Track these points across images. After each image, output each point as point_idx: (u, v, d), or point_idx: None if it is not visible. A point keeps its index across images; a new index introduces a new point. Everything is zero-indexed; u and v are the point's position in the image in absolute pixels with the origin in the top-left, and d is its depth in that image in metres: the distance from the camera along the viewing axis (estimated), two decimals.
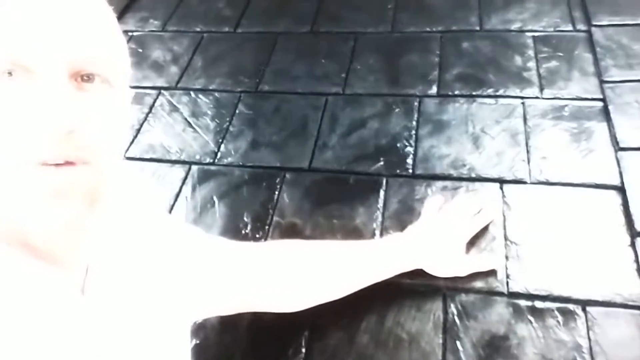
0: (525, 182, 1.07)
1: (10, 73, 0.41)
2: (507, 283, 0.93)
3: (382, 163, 1.16)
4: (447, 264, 0.94)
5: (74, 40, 0.43)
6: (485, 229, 1.00)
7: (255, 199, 1.14)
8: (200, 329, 0.95)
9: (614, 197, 1.01)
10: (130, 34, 1.63)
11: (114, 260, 0.56)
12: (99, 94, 0.45)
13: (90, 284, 0.51)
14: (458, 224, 0.98)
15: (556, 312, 0.89)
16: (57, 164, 0.42)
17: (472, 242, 0.98)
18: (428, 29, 1.44)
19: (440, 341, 0.88)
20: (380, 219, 1.06)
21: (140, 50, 1.56)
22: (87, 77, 0.45)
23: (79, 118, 0.42)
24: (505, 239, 0.99)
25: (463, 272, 0.94)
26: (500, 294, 0.92)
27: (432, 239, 0.94)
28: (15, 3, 0.42)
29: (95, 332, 0.50)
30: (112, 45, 0.48)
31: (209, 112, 1.35)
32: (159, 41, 1.58)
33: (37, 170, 0.41)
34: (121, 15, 1.69)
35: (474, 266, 0.95)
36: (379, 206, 1.09)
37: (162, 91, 1.43)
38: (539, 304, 0.90)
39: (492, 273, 0.94)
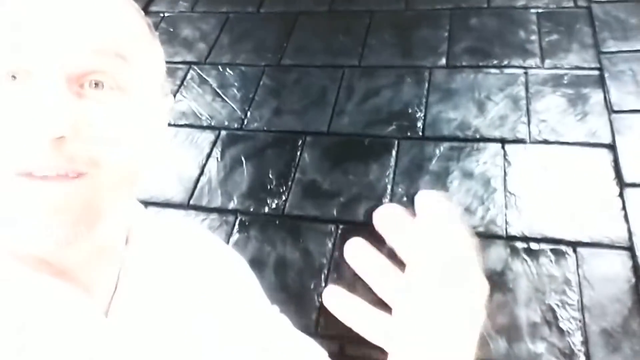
0: (525, 142, 1.17)
1: (14, 77, 0.39)
2: (506, 228, 1.04)
3: (394, 127, 1.27)
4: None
5: (72, 44, 0.39)
6: (487, 183, 1.11)
7: (279, 159, 1.26)
8: None
9: (606, 155, 1.11)
10: (161, 14, 1.75)
11: (147, 286, 0.50)
12: (107, 102, 0.41)
13: (116, 307, 0.47)
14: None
15: (549, 252, 1.00)
16: (48, 177, 0.39)
17: (475, 194, 1.09)
18: (439, 7, 1.54)
19: None
20: (392, 175, 1.18)
21: (172, 30, 1.68)
22: (95, 84, 0.40)
23: (69, 125, 0.38)
24: (505, 191, 1.09)
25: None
26: (499, 237, 1.03)
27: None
28: (15, 6, 0.40)
29: (117, 356, 0.46)
30: (125, 48, 0.43)
31: (236, 84, 1.46)
32: (188, 21, 1.70)
33: (30, 185, 0.38)
34: None
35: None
36: (390, 164, 1.20)
37: (192, 66, 1.55)
38: (533, 246, 1.01)
39: (493, 219, 1.05)
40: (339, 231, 1.08)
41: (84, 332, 0.44)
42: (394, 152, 1.22)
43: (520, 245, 1.01)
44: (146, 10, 1.76)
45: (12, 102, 0.38)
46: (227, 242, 1.13)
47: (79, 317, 0.44)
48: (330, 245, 1.08)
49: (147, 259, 0.51)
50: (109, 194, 0.41)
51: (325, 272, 1.05)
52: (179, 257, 0.55)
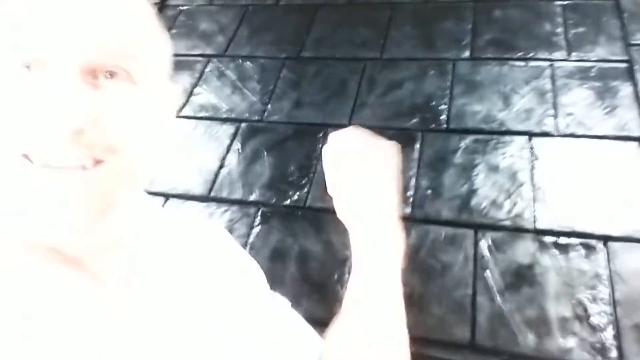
0: (552, 135, 1.15)
1: (28, 67, 0.39)
2: (534, 222, 1.02)
3: (417, 119, 1.25)
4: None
5: (87, 36, 0.40)
6: (514, 176, 1.08)
7: (299, 151, 1.24)
8: None
9: (635, 148, 1.09)
10: (180, 8, 1.74)
11: (157, 278, 0.51)
12: (120, 92, 0.41)
13: (127, 297, 0.47)
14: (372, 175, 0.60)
15: (579, 246, 0.97)
16: (67, 167, 0.39)
17: (501, 187, 1.07)
18: None
19: (471, 270, 0.97)
20: (416, 168, 1.16)
21: (190, 23, 1.67)
22: (108, 75, 0.41)
23: (89, 117, 0.39)
24: (533, 184, 1.07)
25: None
26: (528, 230, 1.01)
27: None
28: None
29: (126, 343, 0.46)
30: (136, 41, 0.44)
31: (255, 77, 1.45)
32: (206, 14, 1.69)
33: (47, 175, 0.39)
34: None
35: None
36: (414, 157, 1.18)
37: (211, 58, 1.53)
38: (563, 240, 0.99)
39: (520, 213, 1.03)
40: None
41: (92, 320, 0.44)
42: (417, 145, 1.20)
43: (549, 239, 0.99)
44: (164, 3, 1.75)
45: (28, 92, 0.38)
46: (249, 235, 1.12)
47: (89, 305, 0.44)
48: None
49: (157, 251, 0.52)
50: (124, 182, 0.42)
51: (348, 264, 1.03)
52: (187, 250, 0.55)
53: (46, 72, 0.38)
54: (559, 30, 1.37)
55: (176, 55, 1.28)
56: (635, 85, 1.19)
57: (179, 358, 0.50)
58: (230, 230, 1.01)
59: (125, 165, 0.41)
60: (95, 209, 0.40)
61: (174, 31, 1.65)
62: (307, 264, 1.06)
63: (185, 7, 1.74)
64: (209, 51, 1.56)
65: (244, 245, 1.10)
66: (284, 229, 1.11)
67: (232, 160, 1.27)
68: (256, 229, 1.13)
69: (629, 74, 1.22)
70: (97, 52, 0.39)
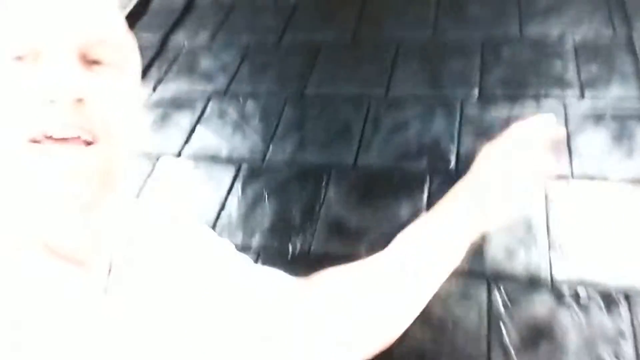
0: (567, 178, 1.09)
1: (20, 58, 0.42)
2: (551, 274, 0.96)
3: (425, 161, 1.20)
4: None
5: (82, 24, 0.44)
6: (528, 222, 1.03)
7: (303, 195, 1.19)
8: None
9: None
10: (181, 45, 1.71)
11: (139, 263, 0.53)
12: (108, 76, 0.45)
13: (114, 285, 0.49)
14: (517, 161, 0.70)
15: (599, 300, 0.91)
16: (68, 140, 0.41)
17: (513, 233, 1.01)
18: (469, 36, 1.47)
19: (485, 325, 0.91)
20: (424, 213, 1.09)
21: (191, 61, 1.64)
22: (95, 62, 0.45)
23: (87, 91, 0.42)
24: (548, 231, 1.01)
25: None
26: (544, 282, 0.95)
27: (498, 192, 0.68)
28: None
29: (117, 332, 0.48)
30: (117, 30, 0.49)
31: (257, 115, 1.41)
32: (208, 51, 1.66)
33: (50, 149, 0.41)
34: (172, 29, 1.78)
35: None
36: (422, 201, 1.12)
37: (211, 97, 1.50)
38: (582, 293, 0.92)
39: (536, 263, 0.97)
40: None
41: (85, 309, 0.46)
42: (425, 189, 1.15)
43: (567, 292, 0.93)
44: (165, 41, 1.72)
45: (24, 77, 0.41)
46: None
47: (81, 295, 0.46)
48: None
49: (137, 240, 0.54)
50: (119, 163, 0.46)
51: None
52: (165, 239, 0.58)
53: (42, 59, 0.42)
54: (571, 68, 1.32)
55: (177, 93, 1.24)
56: None
57: (169, 350, 0.52)
58: None
59: (119, 148, 0.45)
60: (100, 183, 0.43)
61: (174, 69, 1.62)
62: None
63: (186, 45, 1.71)
64: (210, 89, 1.53)
65: None
66: None
67: (233, 203, 1.22)
68: None
69: None
70: (88, 40, 0.44)
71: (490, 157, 0.73)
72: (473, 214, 0.68)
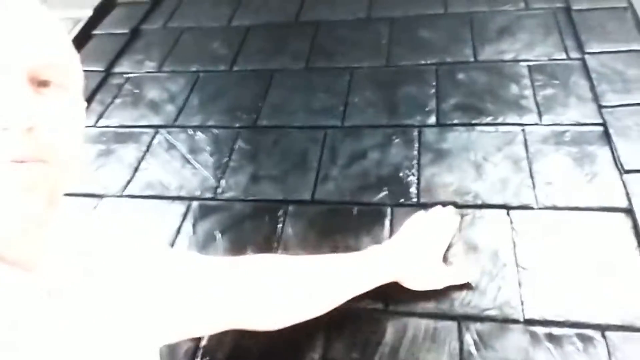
0: (532, 208, 1.06)
1: None
2: (523, 310, 0.91)
3: (385, 192, 1.14)
4: (423, 276, 0.94)
5: (31, 48, 0.46)
6: (495, 256, 0.98)
7: (258, 233, 1.12)
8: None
9: (624, 220, 1.00)
10: (126, 75, 1.63)
11: (78, 267, 0.57)
12: (55, 98, 0.47)
13: (56, 288, 0.52)
14: (433, 236, 0.98)
15: (575, 339, 0.86)
16: (22, 161, 0.44)
17: (483, 269, 0.97)
18: (423, 62, 1.45)
19: None
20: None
21: (137, 91, 1.56)
22: (44, 83, 0.47)
23: (38, 116, 0.44)
24: (517, 265, 0.97)
25: (439, 285, 0.94)
26: (516, 321, 0.90)
27: (408, 252, 0.94)
28: None
29: (61, 336, 0.50)
30: (64, 52, 0.51)
31: (208, 148, 1.33)
32: (155, 81, 1.58)
33: (3, 168, 0.43)
34: (117, 58, 1.69)
35: (450, 278, 0.94)
36: (384, 236, 1.06)
37: (159, 129, 1.42)
38: (556, 331, 0.88)
39: (506, 300, 0.92)
40: (330, 317, 0.93)
41: (29, 311, 0.48)
42: (387, 222, 1.09)
43: (540, 330, 0.88)
44: (109, 71, 1.63)
45: None
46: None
47: (24, 296, 0.48)
48: (321, 332, 0.93)
49: (77, 245, 0.59)
50: (63, 182, 0.48)
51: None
52: (99, 242, 0.64)
53: None
54: (527, 92, 1.30)
55: (121, 126, 1.15)
56: (613, 150, 1.12)
57: (113, 346, 0.58)
58: None
59: (64, 167, 0.47)
60: (47, 200, 0.46)
61: (118, 100, 1.53)
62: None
63: (131, 75, 1.62)
64: (157, 121, 1.44)
65: (198, 344, 0.96)
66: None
67: (183, 244, 1.13)
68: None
69: (606, 138, 1.15)
70: (37, 63, 0.46)
71: (411, 228, 1.00)
72: (386, 260, 0.93)
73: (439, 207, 1.06)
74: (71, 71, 0.51)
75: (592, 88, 1.26)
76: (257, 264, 0.86)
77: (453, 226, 1.03)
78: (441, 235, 1.00)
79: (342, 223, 1.11)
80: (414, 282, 0.93)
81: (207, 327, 0.85)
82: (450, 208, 1.06)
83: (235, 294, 0.81)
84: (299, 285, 0.87)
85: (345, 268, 0.90)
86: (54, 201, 0.48)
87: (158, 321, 0.70)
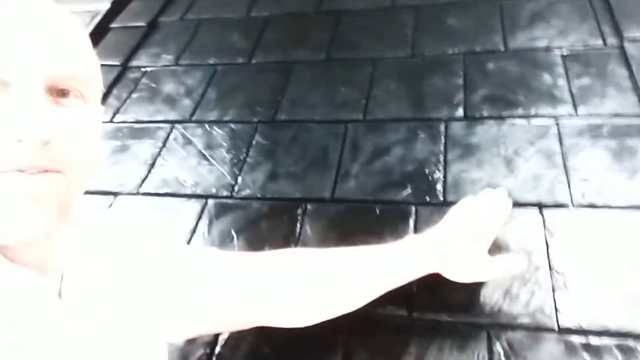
0: (567, 206, 0.99)
1: None
2: (557, 318, 0.84)
3: (409, 190, 1.08)
4: (467, 267, 0.85)
5: (51, 57, 0.45)
6: (528, 258, 0.92)
7: (275, 233, 1.07)
8: None
9: None
10: (143, 69, 1.59)
11: (92, 268, 0.57)
12: (74, 109, 0.47)
13: (67, 289, 0.52)
14: (479, 224, 0.88)
15: (615, 350, 0.80)
16: (32, 173, 0.43)
17: (515, 274, 0.90)
18: (450, 51, 1.38)
19: None
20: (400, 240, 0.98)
21: (154, 85, 1.52)
22: (62, 92, 0.46)
23: (54, 129, 0.43)
24: (550, 268, 0.90)
25: (485, 277, 0.87)
26: (550, 330, 0.83)
27: (451, 241, 0.85)
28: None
29: (70, 337, 0.50)
30: (86, 62, 0.50)
31: (225, 144, 1.29)
32: (172, 75, 1.54)
33: (14, 177, 0.42)
34: (134, 52, 1.66)
35: (498, 269, 0.86)
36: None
37: (175, 125, 1.38)
38: (594, 341, 0.81)
39: (539, 307, 0.86)
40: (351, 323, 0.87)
41: (40, 313, 0.48)
42: (411, 222, 1.03)
43: (577, 340, 0.81)
44: (126, 65, 1.60)
45: None
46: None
47: (35, 298, 0.48)
48: (341, 339, 0.88)
49: (87, 243, 0.58)
50: (77, 190, 0.48)
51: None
52: (114, 241, 0.63)
53: (10, 91, 0.42)
54: (561, 82, 1.22)
55: (137, 122, 1.11)
56: None
57: (124, 347, 0.58)
58: None
59: (79, 176, 0.47)
60: (57, 210, 0.45)
61: (135, 95, 1.50)
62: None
63: (148, 69, 1.59)
64: (173, 117, 1.40)
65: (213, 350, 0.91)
66: None
67: (198, 244, 1.09)
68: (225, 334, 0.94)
69: None
70: (57, 74, 0.45)
71: (458, 214, 0.90)
72: (426, 250, 0.85)
73: (489, 189, 0.96)
74: (91, 82, 0.50)
75: (632, 77, 1.18)
76: (285, 257, 0.84)
77: (504, 213, 0.92)
78: (491, 223, 0.89)
79: (364, 223, 1.05)
80: (458, 273, 0.85)
81: (230, 323, 0.84)
82: (503, 190, 0.96)
83: (260, 289, 0.78)
84: (329, 279, 0.82)
85: (381, 259, 0.84)
86: (64, 211, 0.47)
87: (177, 317, 0.71)
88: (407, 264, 0.85)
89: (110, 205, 1.22)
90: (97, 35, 1.69)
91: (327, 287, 0.82)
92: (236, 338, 0.92)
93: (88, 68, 0.50)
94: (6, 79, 0.43)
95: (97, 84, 0.52)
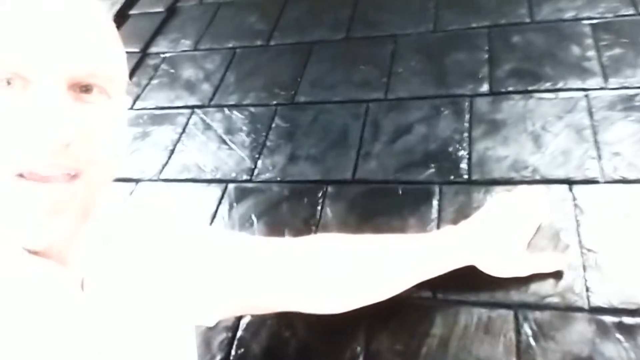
0: (597, 182, 0.95)
1: (8, 82, 0.41)
2: (588, 297, 0.81)
3: (433, 170, 1.06)
4: (504, 262, 0.83)
5: (73, 53, 0.43)
6: (557, 236, 0.88)
7: (296, 216, 1.06)
8: (241, 359, 0.87)
9: None
10: (162, 55, 1.58)
11: (114, 258, 0.56)
12: (97, 105, 0.45)
13: (90, 281, 0.51)
14: (518, 219, 0.86)
15: None
16: (50, 177, 0.42)
17: (544, 251, 0.87)
18: (474, 25, 1.33)
19: None
20: (435, 230, 0.96)
21: (173, 71, 1.51)
22: (85, 88, 0.45)
23: (76, 131, 0.42)
24: (581, 246, 0.87)
25: (523, 272, 0.83)
26: (580, 309, 0.80)
27: (489, 234, 0.83)
28: (16, 13, 0.42)
29: (95, 328, 0.50)
30: (111, 57, 0.48)
31: (244, 128, 1.27)
32: (191, 60, 1.53)
33: (35, 187, 0.41)
34: (153, 38, 1.65)
35: (536, 266, 0.84)
36: (432, 217, 0.98)
37: (195, 110, 1.37)
38: (627, 320, 0.78)
39: (569, 286, 0.82)
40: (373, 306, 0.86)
41: (63, 305, 0.47)
42: (435, 202, 1.01)
43: (609, 319, 0.78)
44: (145, 51, 1.59)
45: (13, 107, 0.41)
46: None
47: (58, 290, 0.47)
48: (364, 322, 0.86)
49: (110, 234, 0.57)
50: (99, 188, 0.47)
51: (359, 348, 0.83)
52: (141, 234, 0.62)
53: (32, 88, 0.41)
54: (591, 53, 1.17)
55: (157, 108, 1.10)
56: None
57: (148, 336, 0.57)
58: None
59: (102, 174, 0.47)
60: (79, 214, 0.45)
61: (155, 81, 1.49)
62: (306, 353, 0.86)
63: (168, 54, 1.58)
64: (192, 102, 1.39)
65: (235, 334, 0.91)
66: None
67: (219, 228, 1.08)
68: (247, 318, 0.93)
69: None
70: (80, 71, 0.43)
71: (496, 208, 0.88)
72: (462, 242, 0.83)
73: (524, 187, 0.94)
74: (115, 78, 0.48)
75: None
76: (319, 243, 0.82)
77: (542, 211, 0.90)
78: (528, 220, 0.87)
79: (386, 204, 1.03)
80: (494, 268, 0.83)
81: (260, 307, 0.83)
82: (540, 189, 0.93)
83: (294, 275, 0.77)
84: (364, 267, 0.80)
85: (417, 249, 0.82)
86: (87, 212, 0.47)
87: (206, 301, 0.71)
88: (443, 255, 0.83)
89: (132, 192, 1.22)
90: (117, 22, 1.67)
91: (361, 275, 0.80)
92: (257, 323, 0.91)
93: (112, 64, 0.48)
94: (27, 76, 0.41)
95: (121, 79, 0.50)
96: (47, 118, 0.41)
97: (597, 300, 0.80)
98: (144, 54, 1.59)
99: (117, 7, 1.76)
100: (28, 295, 0.45)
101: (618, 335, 0.76)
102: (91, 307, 0.50)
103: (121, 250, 0.58)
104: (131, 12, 1.76)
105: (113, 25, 0.50)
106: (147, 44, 1.62)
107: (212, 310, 0.73)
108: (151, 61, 1.57)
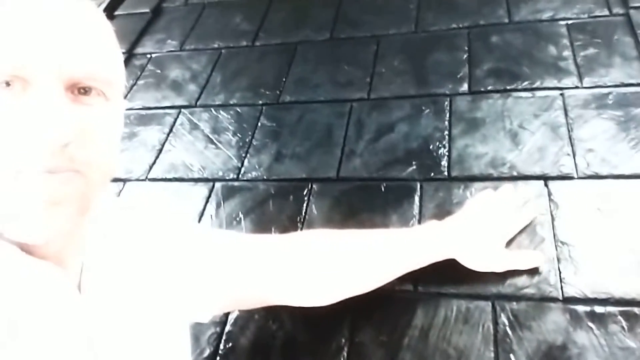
0: (572, 178, 0.98)
1: (7, 83, 0.42)
2: (561, 287, 0.85)
3: (414, 167, 1.09)
4: (484, 257, 0.86)
5: (72, 55, 0.44)
6: (532, 230, 0.92)
7: (282, 213, 1.08)
8: (230, 353, 0.90)
9: None
10: (148, 55, 1.60)
11: (109, 259, 0.56)
12: (95, 107, 0.46)
13: (86, 282, 0.52)
14: (500, 217, 0.90)
15: (619, 317, 0.80)
16: (51, 173, 0.43)
17: (520, 245, 0.90)
18: (454, 26, 1.37)
19: (492, 355, 0.80)
20: (416, 225, 0.99)
21: (159, 71, 1.53)
22: (83, 90, 0.45)
23: (74, 132, 0.43)
24: (555, 239, 0.90)
25: (501, 268, 0.86)
26: (555, 299, 0.84)
27: (471, 230, 0.87)
28: (15, 15, 0.42)
29: (92, 329, 0.50)
30: (109, 60, 0.48)
31: (231, 128, 1.30)
32: (177, 61, 1.55)
33: (34, 179, 0.42)
34: (139, 38, 1.67)
35: (514, 263, 0.87)
36: (414, 213, 1.01)
37: (182, 110, 1.39)
38: (598, 309, 0.81)
39: (544, 277, 0.86)
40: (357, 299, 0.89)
41: (60, 306, 0.48)
42: (416, 198, 1.04)
43: (581, 309, 0.82)
44: (132, 52, 1.61)
45: (12, 108, 0.41)
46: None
47: (55, 291, 0.48)
48: (348, 315, 0.89)
49: (106, 236, 0.57)
50: (97, 188, 0.47)
51: (345, 354, 0.86)
52: (134, 233, 0.62)
53: (31, 89, 0.42)
54: (566, 53, 1.21)
55: (144, 108, 1.12)
56: None
57: (145, 336, 0.57)
58: None
59: (99, 174, 0.47)
60: (77, 210, 0.45)
61: (141, 82, 1.51)
62: (292, 343, 0.89)
63: (154, 55, 1.60)
64: (179, 102, 1.41)
65: (223, 329, 0.93)
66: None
67: (207, 226, 1.11)
68: (235, 313, 0.96)
69: None
70: (78, 74, 0.44)
71: (479, 205, 0.92)
72: (444, 236, 0.86)
73: (508, 186, 0.97)
74: (113, 80, 0.49)
75: (637, 45, 1.17)
76: (306, 238, 0.85)
77: (528, 213, 0.93)
78: (511, 219, 0.91)
79: (369, 200, 1.06)
80: (474, 262, 0.86)
81: (250, 302, 0.85)
82: (528, 191, 0.98)
83: (282, 270, 0.80)
84: (349, 261, 0.83)
85: (400, 242, 0.85)
86: (84, 210, 0.47)
87: (201, 298, 0.72)
88: (425, 249, 0.85)
89: (120, 192, 1.24)
90: None
91: (346, 268, 0.83)
92: (245, 317, 0.94)
93: (110, 67, 0.48)
94: (26, 77, 0.42)
95: (119, 81, 0.50)
96: (45, 119, 0.41)
97: (571, 291, 0.84)
98: (130, 55, 1.61)
99: (103, 7, 1.77)
100: (25, 296, 0.45)
101: (590, 324, 0.80)
102: (88, 310, 0.51)
103: (116, 251, 0.58)
104: (117, 12, 1.77)
105: (111, 28, 0.50)
106: (133, 45, 1.64)
107: (206, 306, 0.75)
108: (137, 61, 1.58)
